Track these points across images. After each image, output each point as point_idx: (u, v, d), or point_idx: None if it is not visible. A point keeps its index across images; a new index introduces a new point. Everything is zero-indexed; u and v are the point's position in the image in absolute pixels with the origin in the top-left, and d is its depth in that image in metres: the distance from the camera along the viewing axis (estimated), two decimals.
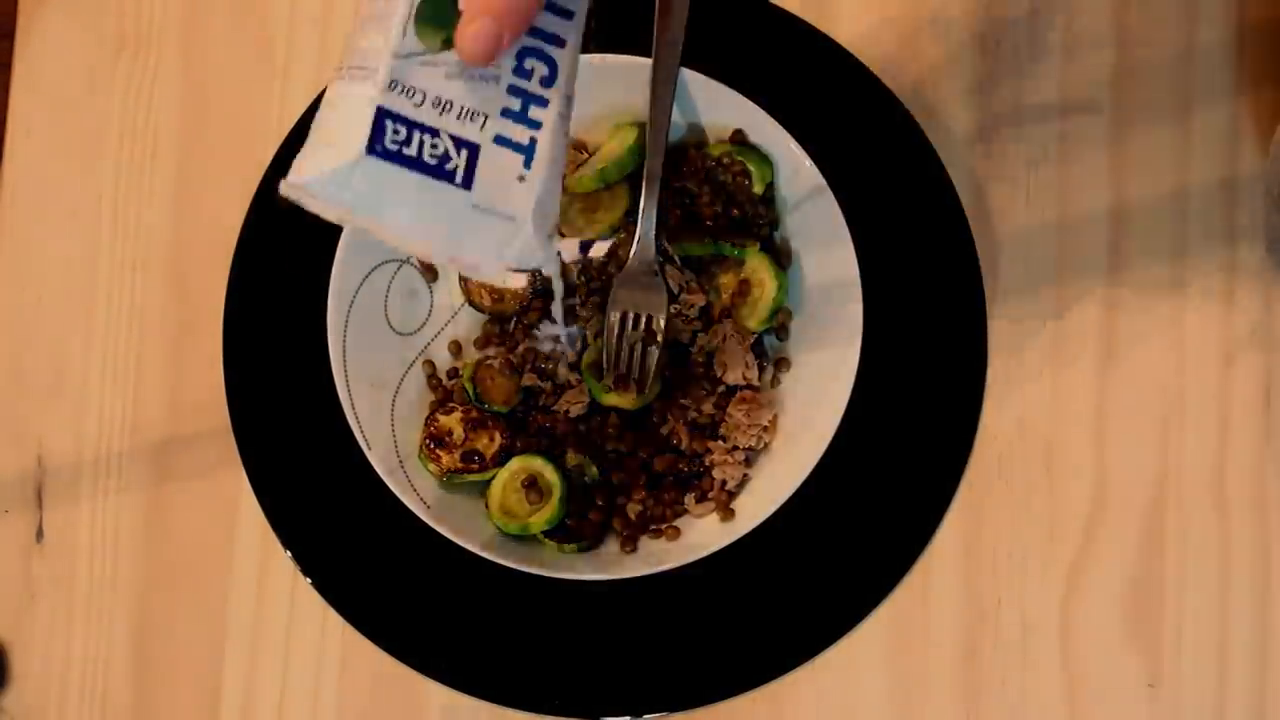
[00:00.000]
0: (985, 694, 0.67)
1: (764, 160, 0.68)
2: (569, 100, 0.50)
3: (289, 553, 0.70)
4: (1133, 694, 0.67)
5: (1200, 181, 0.70)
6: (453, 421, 0.69)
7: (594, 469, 0.68)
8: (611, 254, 0.70)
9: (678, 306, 0.69)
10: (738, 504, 0.67)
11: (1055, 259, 0.70)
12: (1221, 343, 0.69)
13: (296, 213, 0.72)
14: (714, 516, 0.67)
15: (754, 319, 0.69)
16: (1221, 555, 0.67)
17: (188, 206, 0.74)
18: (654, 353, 0.69)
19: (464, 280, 0.70)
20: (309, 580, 0.70)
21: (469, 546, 0.65)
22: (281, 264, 0.72)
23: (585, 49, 0.50)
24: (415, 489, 0.67)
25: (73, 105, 0.75)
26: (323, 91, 0.50)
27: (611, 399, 0.68)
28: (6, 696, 0.72)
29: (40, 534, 0.72)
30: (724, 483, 0.68)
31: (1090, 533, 0.68)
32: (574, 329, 0.69)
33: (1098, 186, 0.70)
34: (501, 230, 0.48)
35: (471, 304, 0.71)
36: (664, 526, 0.68)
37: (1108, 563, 0.68)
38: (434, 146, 0.47)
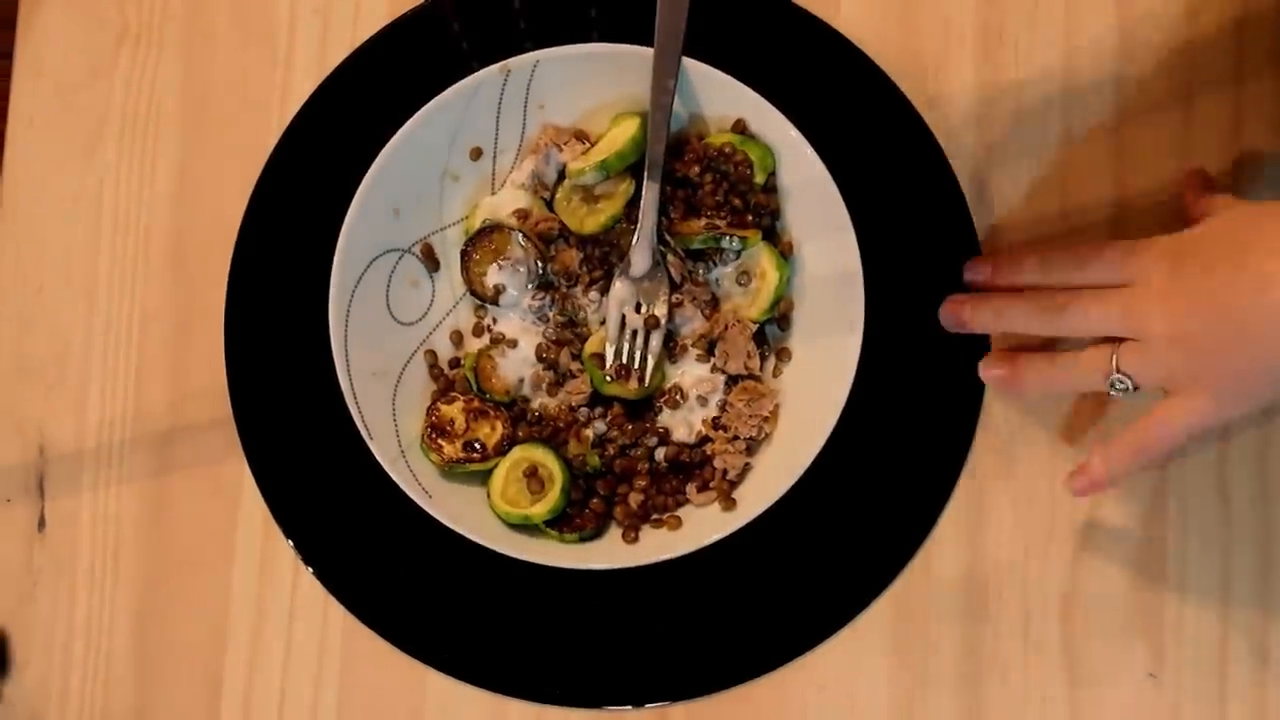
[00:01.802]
0: (987, 684, 0.67)
1: (766, 150, 0.68)
2: None
3: (290, 542, 0.70)
4: (1134, 683, 0.67)
5: None
6: (454, 411, 0.69)
7: (595, 459, 0.69)
8: (613, 244, 0.70)
9: (680, 296, 0.69)
10: (739, 493, 0.67)
11: None
12: None
13: (298, 202, 0.73)
14: (715, 506, 0.67)
15: (755, 309, 0.69)
16: (1223, 544, 0.67)
17: (189, 194, 0.74)
18: (656, 342, 0.69)
19: (465, 269, 0.70)
20: (309, 569, 0.70)
21: (470, 535, 0.65)
22: (283, 254, 0.72)
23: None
24: (417, 478, 0.67)
25: (74, 94, 0.75)
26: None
27: (613, 389, 0.68)
28: (7, 685, 0.72)
29: (42, 523, 0.72)
30: (725, 472, 0.68)
31: (1092, 523, 0.68)
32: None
33: (1099, 177, 0.70)
34: None
35: (473, 293, 0.71)
36: (665, 516, 0.68)
37: (1109, 553, 0.68)
38: None
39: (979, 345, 0.69)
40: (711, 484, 0.68)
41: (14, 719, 0.71)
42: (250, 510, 0.71)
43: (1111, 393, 0.60)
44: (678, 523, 0.68)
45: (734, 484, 0.68)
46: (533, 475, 0.67)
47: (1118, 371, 0.60)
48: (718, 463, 0.68)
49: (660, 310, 0.69)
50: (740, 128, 0.69)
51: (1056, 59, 0.71)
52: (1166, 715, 0.67)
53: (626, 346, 0.68)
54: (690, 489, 0.68)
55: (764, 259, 0.69)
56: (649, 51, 0.67)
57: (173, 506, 0.72)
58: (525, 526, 0.68)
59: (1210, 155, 0.70)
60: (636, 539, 0.67)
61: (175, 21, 0.75)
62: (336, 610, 0.70)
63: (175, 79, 0.75)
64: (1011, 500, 0.69)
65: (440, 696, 0.69)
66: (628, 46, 0.67)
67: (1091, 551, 0.68)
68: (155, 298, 0.73)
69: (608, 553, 0.67)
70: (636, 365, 0.68)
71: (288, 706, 0.70)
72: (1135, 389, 0.60)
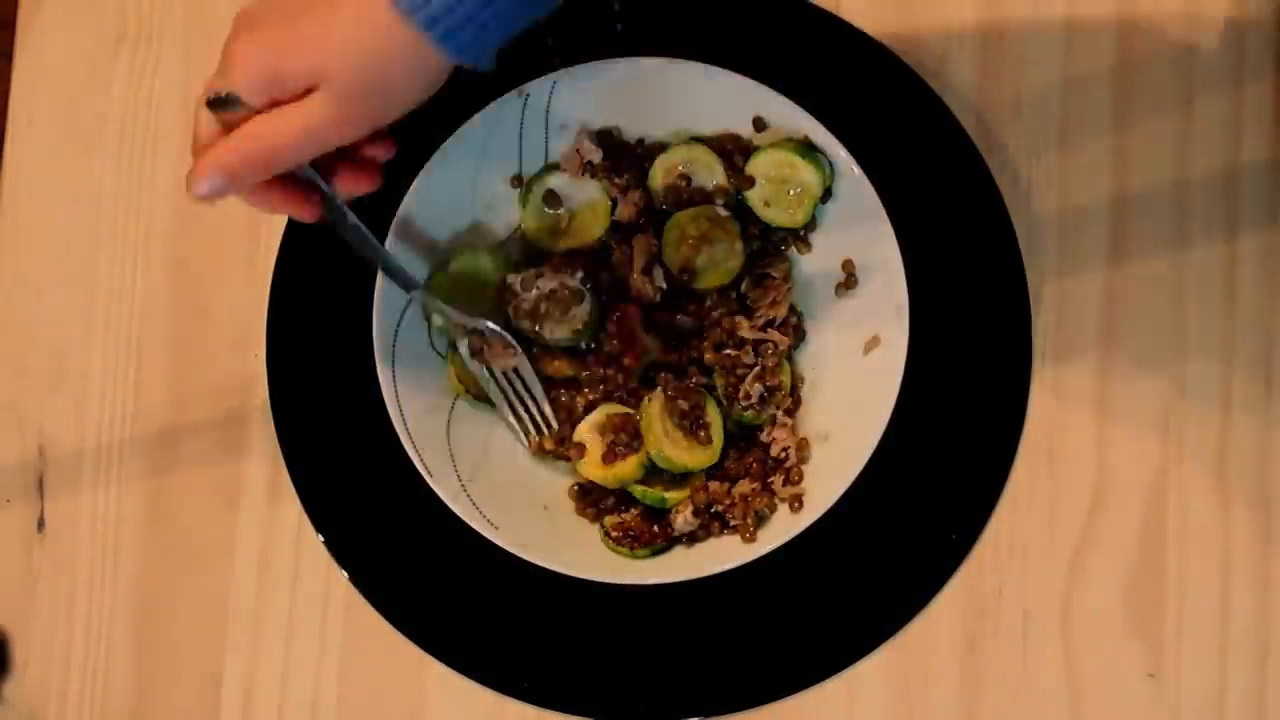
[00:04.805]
0: (986, 683, 0.68)
1: (819, 166, 0.67)
2: None
3: (345, 573, 0.70)
4: (1133, 683, 0.67)
5: (1202, 171, 0.70)
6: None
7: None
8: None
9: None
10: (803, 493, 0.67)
11: (1055, 249, 0.70)
12: (1222, 331, 0.69)
13: (330, 250, 0.71)
14: (782, 509, 0.67)
15: (802, 213, 0.68)
16: (1222, 545, 0.68)
17: (188, 195, 0.74)
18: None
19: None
20: (344, 573, 0.70)
21: (538, 560, 0.64)
22: (319, 298, 0.71)
23: None
24: (481, 511, 0.66)
25: (74, 95, 0.75)
26: None
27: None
28: (7, 685, 0.72)
29: (42, 524, 0.72)
30: (785, 457, 0.67)
31: (1091, 522, 0.68)
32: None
33: (1099, 176, 0.70)
34: None
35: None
36: (736, 523, 0.67)
37: (1108, 552, 0.68)
38: None
39: (1023, 347, 0.69)
40: (789, 469, 0.67)
41: (14, 719, 0.71)
42: (250, 510, 0.71)
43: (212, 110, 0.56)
44: (752, 536, 0.66)
45: (799, 472, 0.67)
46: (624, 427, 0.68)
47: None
48: (774, 449, 0.67)
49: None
50: (759, 125, 0.68)
51: (1055, 58, 0.71)
52: (1166, 715, 0.67)
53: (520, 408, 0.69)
54: (775, 482, 0.67)
55: (799, 167, 0.67)
56: (665, 63, 0.66)
57: (173, 506, 0.72)
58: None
59: (1210, 155, 0.70)
60: (707, 535, 0.67)
61: (175, 21, 0.75)
62: (336, 612, 0.70)
63: (175, 79, 0.75)
64: (1010, 500, 0.69)
65: (440, 695, 0.69)
66: (644, 60, 0.66)
67: (1090, 551, 0.68)
68: (155, 298, 0.73)
69: (674, 566, 0.66)
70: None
71: (287, 707, 0.70)
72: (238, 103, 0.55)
